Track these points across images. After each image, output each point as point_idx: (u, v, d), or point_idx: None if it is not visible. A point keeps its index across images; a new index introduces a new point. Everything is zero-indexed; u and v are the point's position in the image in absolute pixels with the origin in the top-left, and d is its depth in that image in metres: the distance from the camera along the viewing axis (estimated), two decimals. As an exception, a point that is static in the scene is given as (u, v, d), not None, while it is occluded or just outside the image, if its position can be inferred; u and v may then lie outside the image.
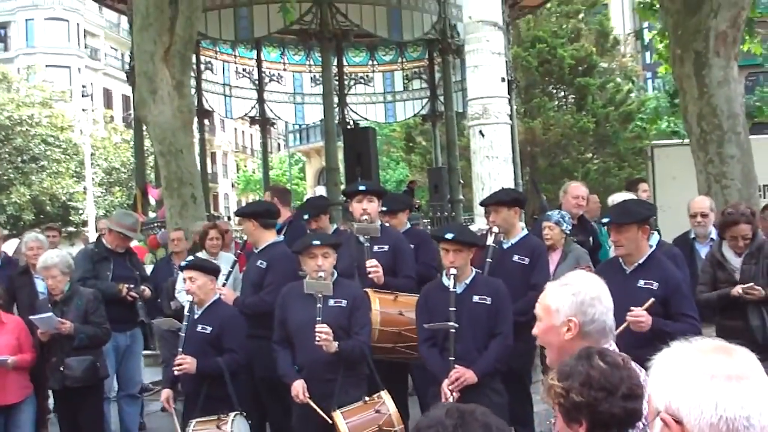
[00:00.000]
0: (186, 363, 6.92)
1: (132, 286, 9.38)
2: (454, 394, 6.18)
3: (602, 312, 3.53)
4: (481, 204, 8.26)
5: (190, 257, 8.87)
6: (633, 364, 3.02)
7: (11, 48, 60.30)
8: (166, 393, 7.37)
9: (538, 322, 3.66)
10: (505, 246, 7.44)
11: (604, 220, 6.35)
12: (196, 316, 7.14)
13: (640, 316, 5.85)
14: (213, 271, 7.33)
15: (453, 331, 6.27)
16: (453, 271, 6.38)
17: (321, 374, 6.56)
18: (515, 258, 7.35)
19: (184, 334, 7.04)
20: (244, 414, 6.98)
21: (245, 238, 8.59)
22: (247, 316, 7.52)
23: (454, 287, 6.37)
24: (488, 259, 7.17)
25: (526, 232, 7.80)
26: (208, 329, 7.07)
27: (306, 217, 8.83)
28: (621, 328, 5.39)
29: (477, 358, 6.36)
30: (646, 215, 6.46)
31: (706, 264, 8.10)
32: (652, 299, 5.91)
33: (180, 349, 6.99)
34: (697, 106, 10.57)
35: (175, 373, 7.06)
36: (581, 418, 2.82)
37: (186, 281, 7.21)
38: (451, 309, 6.29)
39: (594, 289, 3.57)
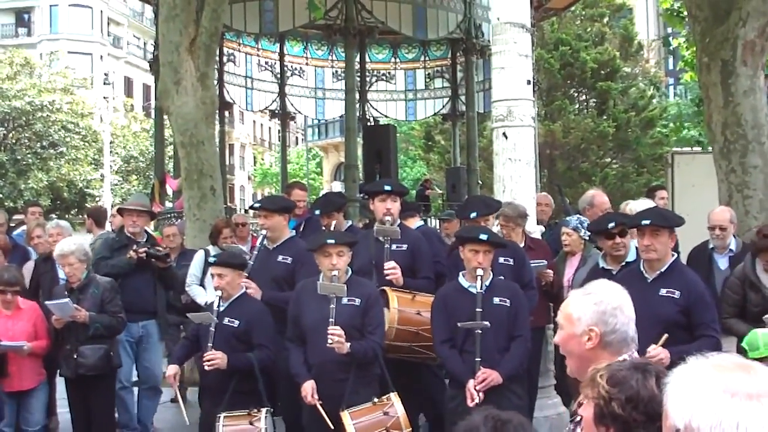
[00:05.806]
0: (217, 358, 6.79)
1: (139, 243, 9.13)
2: (480, 394, 6.16)
3: (624, 322, 3.49)
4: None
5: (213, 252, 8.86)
6: None
7: (34, 33, 60.47)
8: (173, 369, 7.27)
9: (559, 330, 3.63)
10: None
11: (644, 222, 6.13)
12: (222, 309, 7.00)
13: (657, 354, 5.58)
14: (241, 265, 7.24)
15: (480, 332, 6.25)
16: (480, 272, 6.36)
17: (332, 374, 6.52)
18: (501, 260, 7.26)
19: (213, 329, 6.87)
20: (272, 411, 6.91)
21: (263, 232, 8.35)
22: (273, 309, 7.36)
23: (481, 288, 6.34)
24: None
25: None
26: (236, 323, 6.94)
27: (317, 212, 8.70)
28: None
29: (499, 360, 6.35)
30: (680, 223, 6.42)
31: (735, 283, 7.67)
32: (666, 335, 5.64)
33: (210, 344, 6.83)
34: (721, 115, 10.45)
35: (206, 368, 6.88)
36: (612, 427, 2.75)
37: (214, 278, 7.10)
38: (477, 310, 6.25)
39: (616, 298, 3.53)
